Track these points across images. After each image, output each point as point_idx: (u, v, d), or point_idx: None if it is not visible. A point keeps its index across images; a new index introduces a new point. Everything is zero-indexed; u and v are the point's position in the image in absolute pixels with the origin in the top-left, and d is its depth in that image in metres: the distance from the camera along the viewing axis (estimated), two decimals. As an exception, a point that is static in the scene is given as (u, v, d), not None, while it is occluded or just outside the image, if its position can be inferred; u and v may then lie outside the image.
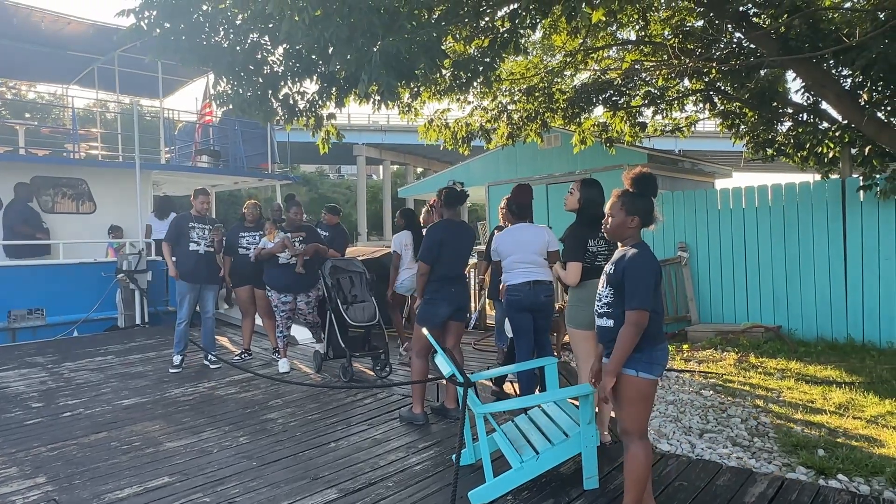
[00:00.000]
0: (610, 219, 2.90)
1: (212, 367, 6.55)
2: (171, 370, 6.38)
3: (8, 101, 22.84)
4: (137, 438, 4.39)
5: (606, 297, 2.85)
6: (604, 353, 2.87)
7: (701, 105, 8.70)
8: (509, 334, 5.33)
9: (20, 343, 7.98)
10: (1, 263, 8.23)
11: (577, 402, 3.60)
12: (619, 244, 2.95)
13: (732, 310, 8.13)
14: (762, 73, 7.80)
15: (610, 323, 2.81)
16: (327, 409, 5.01)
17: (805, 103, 7.71)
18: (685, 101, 8.83)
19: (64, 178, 9.95)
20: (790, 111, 8.09)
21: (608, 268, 2.88)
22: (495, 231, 6.32)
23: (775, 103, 7.95)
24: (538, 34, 8.19)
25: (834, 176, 8.04)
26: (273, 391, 5.61)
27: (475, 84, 6.10)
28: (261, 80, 4.99)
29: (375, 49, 3.60)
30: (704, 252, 8.39)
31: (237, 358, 6.87)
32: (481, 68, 5.36)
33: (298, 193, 40.94)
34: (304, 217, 6.71)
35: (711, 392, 5.32)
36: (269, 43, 4.68)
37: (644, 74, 8.69)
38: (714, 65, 7.60)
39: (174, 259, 6.49)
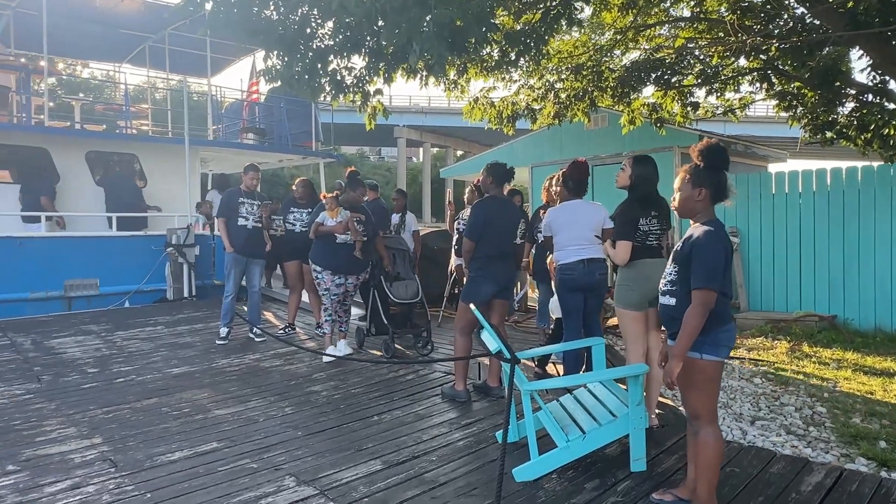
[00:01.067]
0: (677, 194, 2.78)
1: (257, 339, 6.67)
2: (217, 342, 6.52)
3: (64, 79, 23.59)
4: (187, 405, 4.50)
5: (671, 274, 2.75)
6: (668, 335, 2.77)
7: (757, 85, 8.34)
8: (554, 315, 5.25)
9: (76, 312, 8.28)
10: (57, 235, 8.52)
11: (625, 384, 3.52)
12: (690, 223, 2.78)
13: (784, 298, 7.85)
14: (825, 50, 7.42)
15: (672, 301, 2.71)
16: (370, 384, 5.05)
17: (871, 83, 7.31)
18: (740, 81, 8.49)
19: (116, 153, 10.22)
20: (853, 92, 7.70)
21: (677, 244, 2.76)
22: (539, 211, 6.22)
23: (838, 83, 7.57)
24: (588, 11, 7.98)
25: (900, 159, 7.63)
26: (316, 365, 5.68)
27: (524, 60, 5.96)
28: (309, 55, 4.97)
29: (428, 18, 3.55)
30: (756, 237, 8.11)
31: (281, 332, 6.98)
32: (532, 43, 5.23)
33: (340, 175, 41.36)
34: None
35: (762, 380, 5.15)
36: (319, 16, 4.66)
37: (698, 52, 8.39)
38: (774, 42, 7.27)
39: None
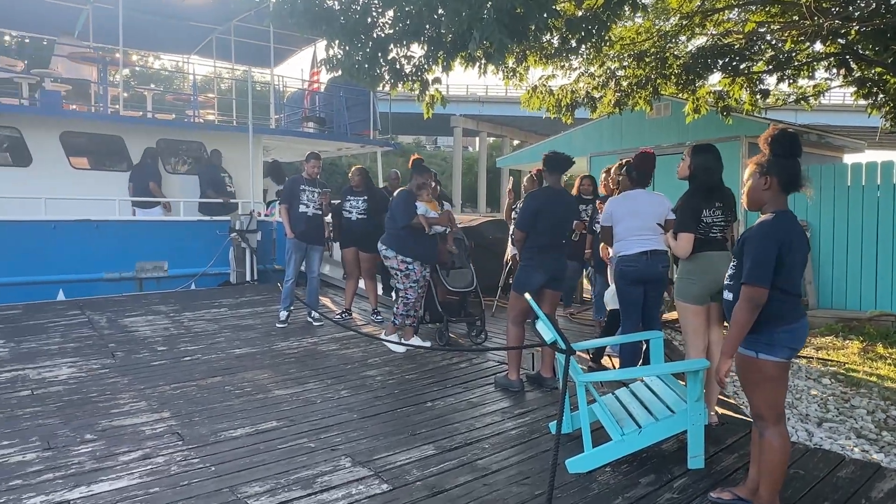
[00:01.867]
0: (745, 186, 2.68)
1: (315, 324, 6.84)
2: (277, 325, 6.73)
3: (138, 70, 24.67)
4: (248, 384, 4.67)
5: (731, 268, 2.68)
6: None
7: (834, 71, 7.90)
8: (609, 306, 5.15)
9: (146, 293, 8.70)
10: (129, 219, 8.95)
11: (684, 380, 3.43)
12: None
13: (858, 296, 7.46)
14: (911, 33, 6.95)
15: (730, 297, 2.64)
16: (424, 371, 5.11)
17: (962, 68, 6.82)
18: (815, 67, 8.07)
19: (185, 142, 10.64)
20: (941, 77, 7.20)
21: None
22: (598, 203, 6.12)
23: (924, 68, 7.09)
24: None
25: None
26: (371, 350, 5.78)
27: (585, 47, 5.85)
28: (370, 44, 5.04)
29: (489, 5, 3.52)
30: (828, 232, 7.73)
31: (339, 317, 7.13)
32: (593, 29, 5.12)
33: (396, 164, 41.78)
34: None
35: (831, 381, 4.93)
36: (379, 5, 4.71)
37: (769, 37, 8.01)
38: (854, 25, 6.86)
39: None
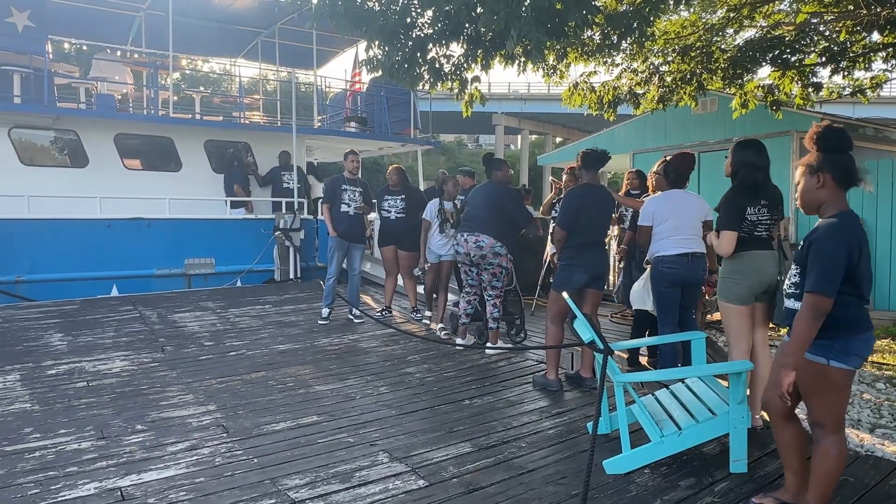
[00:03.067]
0: (798, 190, 2.58)
1: (356, 321, 6.94)
2: (319, 321, 6.85)
3: (187, 74, 25.44)
4: (291, 380, 4.78)
5: (794, 275, 2.54)
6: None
7: (893, 62, 7.56)
8: (636, 305, 4.98)
9: (195, 289, 8.98)
10: (178, 216, 9.25)
11: (727, 381, 3.35)
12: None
13: (916, 297, 7.14)
14: (977, 21, 6.61)
15: (793, 305, 2.52)
16: (462, 369, 5.12)
17: None
18: (872, 58, 7.74)
19: (230, 142, 10.93)
20: None
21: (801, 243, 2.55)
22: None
23: None
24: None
25: None
26: (411, 347, 5.83)
27: (626, 43, 5.76)
28: (409, 44, 5.08)
29: (527, 3, 3.51)
30: (886, 230, 7.41)
31: (379, 314, 7.21)
32: (635, 24, 5.04)
33: (437, 163, 41.86)
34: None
35: (886, 385, 4.73)
36: (419, 5, 4.74)
37: (822, 28, 7.72)
38: (913, 13, 6.56)
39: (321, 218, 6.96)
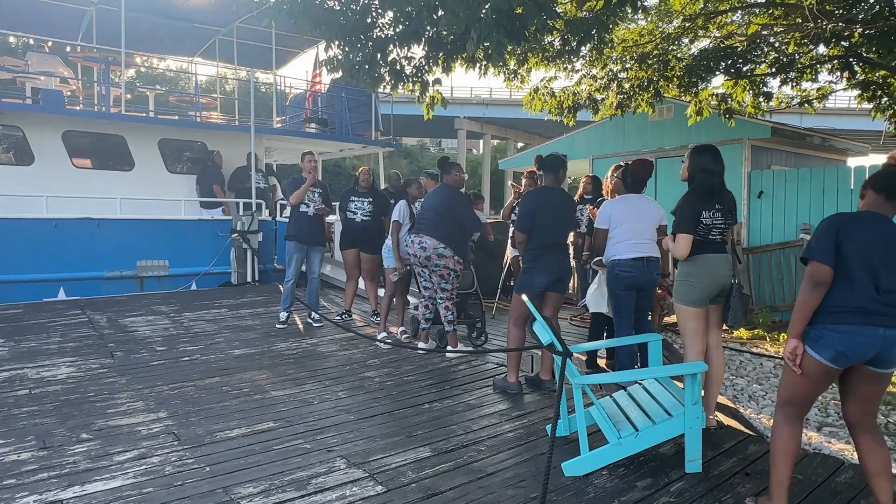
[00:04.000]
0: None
1: (315, 325, 6.83)
2: (277, 325, 6.72)
3: (142, 71, 24.76)
4: (246, 385, 4.66)
5: None
6: None
7: (838, 74, 7.86)
8: (592, 309, 5.08)
9: (147, 293, 8.71)
10: (131, 217, 8.96)
11: (682, 383, 3.41)
12: None
13: (860, 300, 7.41)
14: (915, 36, 6.92)
15: None
16: (422, 372, 5.09)
17: (967, 71, 6.78)
18: (819, 70, 8.03)
19: (186, 142, 10.66)
20: (946, 81, 7.16)
21: None
22: (590, 208, 6.10)
23: (929, 71, 7.05)
24: (656, -2, 7.72)
25: None
26: (371, 351, 5.77)
27: (585, 49, 5.83)
28: (370, 45, 5.03)
29: (487, 6, 3.51)
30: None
31: (338, 318, 7.12)
32: (594, 31, 5.10)
33: (399, 166, 41.77)
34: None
35: (833, 385, 4.89)
36: (379, 5, 4.70)
37: (772, 40, 7.98)
38: (857, 27, 6.83)
39: (287, 219, 6.82)
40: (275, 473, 3.13)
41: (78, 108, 10.68)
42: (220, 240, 9.39)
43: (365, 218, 6.87)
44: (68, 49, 11.72)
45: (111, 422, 3.84)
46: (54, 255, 8.15)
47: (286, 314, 6.78)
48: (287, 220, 7.39)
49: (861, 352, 2.48)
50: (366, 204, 6.87)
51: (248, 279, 9.47)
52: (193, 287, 9.14)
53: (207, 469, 3.17)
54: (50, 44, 11.59)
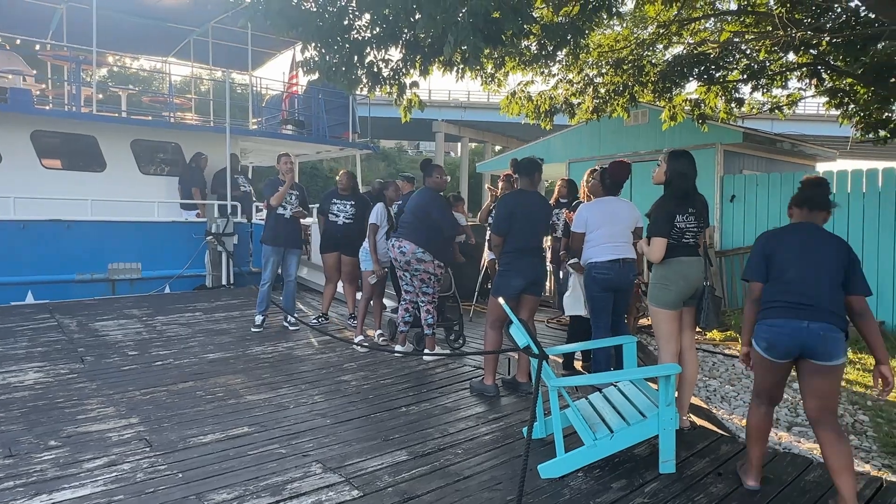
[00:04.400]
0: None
1: (291, 328, 6.77)
2: (252, 329, 6.64)
3: (115, 70, 24.32)
4: (220, 390, 4.60)
5: None
6: None
7: (806, 81, 8.05)
8: (569, 311, 5.13)
9: (119, 296, 8.55)
10: (102, 218, 8.79)
11: (657, 384, 3.45)
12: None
13: (828, 302, 7.59)
14: (880, 45, 7.12)
15: None
16: (399, 376, 5.07)
17: (929, 79, 6.99)
18: (788, 77, 8.22)
19: (160, 142, 10.50)
20: (909, 89, 7.37)
21: None
22: (566, 212, 6.15)
23: (893, 79, 7.25)
24: (630, 4, 7.82)
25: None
26: (347, 355, 5.74)
27: (561, 53, 5.88)
28: (347, 47, 5.01)
29: (464, 10, 3.53)
30: (800, 239, 7.85)
31: (315, 321, 7.07)
32: (570, 36, 5.15)
33: (377, 168, 41.64)
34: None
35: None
36: (356, 8, 4.69)
37: (744, 47, 8.14)
38: (825, 36, 7.01)
39: (262, 221, 6.75)
40: (249, 479, 3.09)
41: (47, 107, 10.47)
42: (195, 242, 9.26)
43: (347, 221, 6.81)
44: (38, 47, 11.46)
45: (81, 428, 3.76)
46: (22, 258, 7.96)
47: (262, 317, 6.71)
48: (262, 222, 7.32)
49: (787, 342, 2.77)
50: (348, 207, 6.83)
51: (223, 282, 9.36)
52: (167, 290, 9.00)
53: (180, 475, 3.12)
54: (18, 41, 11.32)
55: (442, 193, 5.57)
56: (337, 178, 7.08)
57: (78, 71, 10.56)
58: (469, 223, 8.69)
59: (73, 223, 8.37)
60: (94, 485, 3.00)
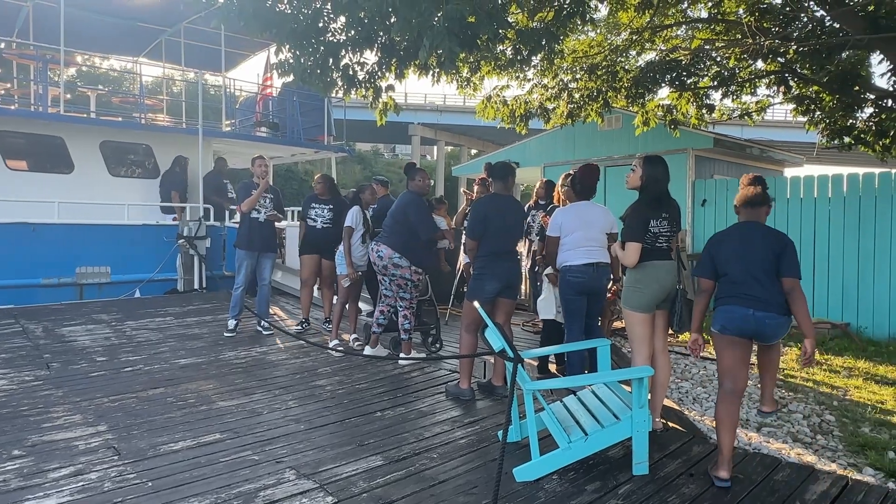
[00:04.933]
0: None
1: (265, 333, 6.69)
2: (225, 333, 6.55)
3: (84, 70, 23.82)
4: (192, 396, 4.52)
5: None
6: None
7: (774, 88, 8.24)
8: (542, 315, 5.17)
9: (87, 301, 8.36)
10: (70, 221, 8.59)
11: (629, 386, 3.49)
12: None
13: (796, 304, 7.75)
14: (844, 54, 7.32)
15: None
16: (375, 380, 5.04)
17: (891, 88, 7.20)
18: (757, 84, 8.40)
19: (130, 144, 10.31)
20: (872, 97, 7.59)
21: None
22: (542, 216, 6.19)
23: (857, 87, 7.47)
24: (604, 10, 7.92)
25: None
26: (322, 359, 5.69)
27: (536, 58, 5.93)
28: (322, 49, 4.98)
29: (439, 14, 3.53)
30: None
31: (298, 327, 6.94)
32: (544, 41, 5.19)
33: (353, 171, 41.44)
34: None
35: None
36: (331, 10, 4.66)
37: (714, 54, 8.31)
38: (792, 45, 7.18)
39: (237, 225, 6.66)
40: (221, 487, 3.04)
41: (13, 107, 10.21)
42: (166, 245, 9.10)
43: (326, 225, 6.71)
44: (2, 46, 11.18)
45: (46, 437, 3.66)
46: (-15, 262, 7.75)
47: (235, 322, 6.61)
48: (236, 225, 7.22)
49: (738, 325, 3.18)
50: (325, 211, 6.75)
51: (196, 286, 9.21)
52: (137, 295, 8.82)
53: (150, 484, 3.06)
54: (2, 44, 11.05)
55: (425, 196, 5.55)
56: (313, 183, 6.98)
57: (45, 70, 10.32)
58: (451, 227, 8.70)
59: (40, 226, 8.16)
60: (59, 495, 2.92)
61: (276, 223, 6.82)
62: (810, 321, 3.23)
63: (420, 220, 5.27)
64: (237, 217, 7.31)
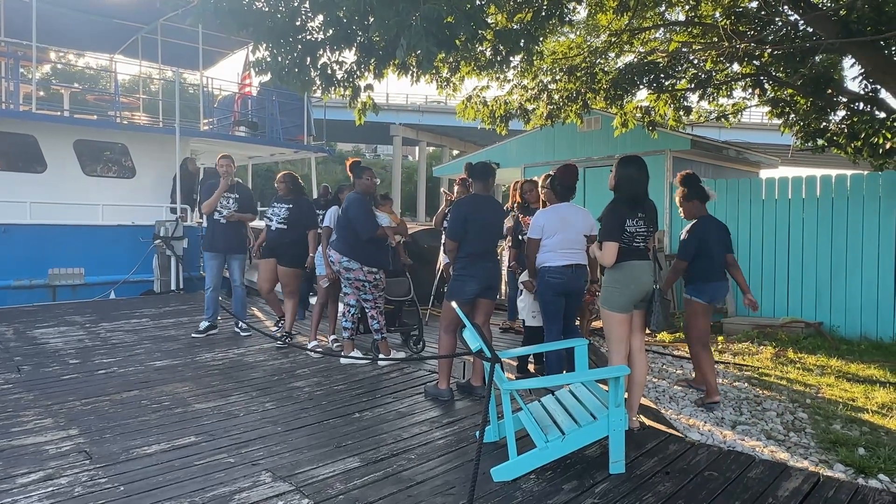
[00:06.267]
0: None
1: (242, 334, 6.62)
2: (193, 334, 6.45)
3: (59, 68, 23.36)
4: (167, 398, 4.46)
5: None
6: None
7: (750, 91, 8.37)
8: (521, 316, 5.19)
9: (60, 302, 8.21)
10: (42, 222, 8.43)
11: (606, 385, 3.51)
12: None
13: (772, 303, 7.88)
14: (818, 58, 7.45)
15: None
16: (354, 381, 5.02)
17: (862, 91, 7.35)
18: (733, 87, 8.52)
19: (105, 143, 10.14)
20: (845, 100, 7.74)
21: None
22: (522, 217, 6.19)
23: (830, 91, 7.61)
24: (583, 13, 7.97)
25: (889, 169, 7.69)
26: (300, 361, 5.65)
27: (515, 59, 5.94)
28: (299, 48, 4.94)
29: (417, 14, 3.52)
30: (745, 243, 8.14)
31: (276, 328, 6.83)
32: (523, 42, 5.21)
33: (334, 171, 41.21)
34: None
35: (746, 384, 5.17)
36: (309, 9, 4.63)
37: (691, 57, 8.40)
38: (767, 48, 7.29)
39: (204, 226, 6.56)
40: (195, 490, 3.00)
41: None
42: (142, 246, 8.97)
43: (279, 226, 6.22)
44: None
45: (15, 441, 3.58)
46: (-46, 263, 7.57)
47: (207, 323, 6.52)
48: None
49: (718, 295, 4.71)
50: (282, 210, 6.25)
51: (172, 287, 9.09)
52: (112, 296, 8.68)
53: (122, 488, 3.00)
54: None
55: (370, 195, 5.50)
56: (275, 182, 6.59)
57: (16, 67, 10.12)
58: (423, 227, 8.68)
59: (11, 227, 8.00)
60: (27, 500, 2.86)
61: (249, 223, 6.69)
62: (745, 280, 4.94)
63: (358, 218, 5.19)
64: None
